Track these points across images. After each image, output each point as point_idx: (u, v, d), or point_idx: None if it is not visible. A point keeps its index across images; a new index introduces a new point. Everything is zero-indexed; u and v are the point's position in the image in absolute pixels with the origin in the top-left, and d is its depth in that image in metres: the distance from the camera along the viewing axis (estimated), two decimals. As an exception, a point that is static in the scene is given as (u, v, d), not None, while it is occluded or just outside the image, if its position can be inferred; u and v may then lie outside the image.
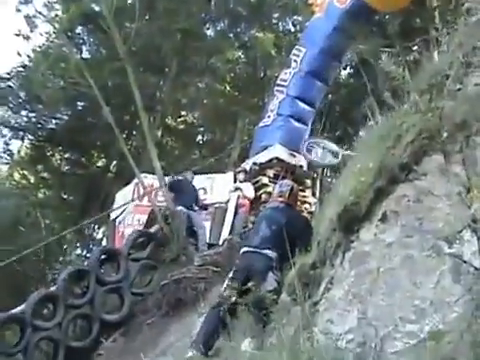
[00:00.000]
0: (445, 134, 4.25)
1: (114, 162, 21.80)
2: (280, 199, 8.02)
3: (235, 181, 13.30)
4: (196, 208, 12.57)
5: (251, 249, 7.60)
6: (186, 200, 12.42)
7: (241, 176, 12.93)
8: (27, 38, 19.62)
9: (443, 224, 3.94)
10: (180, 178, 13.08)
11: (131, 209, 14.15)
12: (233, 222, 12.45)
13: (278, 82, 15.05)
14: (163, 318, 10.40)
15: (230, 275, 7.64)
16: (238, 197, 12.59)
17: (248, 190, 12.80)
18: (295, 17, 21.51)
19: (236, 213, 12.48)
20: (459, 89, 4.64)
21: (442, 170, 4.20)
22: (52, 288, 11.40)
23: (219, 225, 12.59)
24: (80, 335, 11.31)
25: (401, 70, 4.67)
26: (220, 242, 12.19)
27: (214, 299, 7.02)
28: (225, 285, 7.45)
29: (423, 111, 4.44)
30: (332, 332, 4.20)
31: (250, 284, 6.92)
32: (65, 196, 23.02)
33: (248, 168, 13.22)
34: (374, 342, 3.85)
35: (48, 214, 21.85)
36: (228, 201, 12.84)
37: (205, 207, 12.93)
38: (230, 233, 12.32)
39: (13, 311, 10.60)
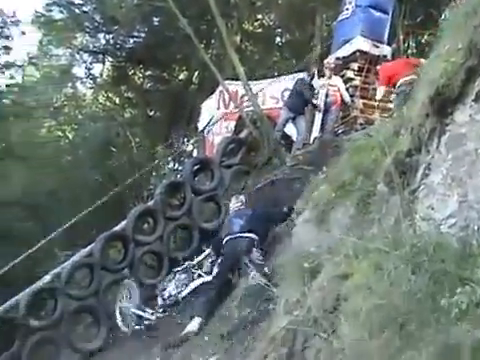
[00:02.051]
0: None
1: (196, 73, 21.73)
2: (240, 204, 9.69)
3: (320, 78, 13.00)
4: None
5: (233, 236, 8.92)
6: (295, 102, 12.24)
7: (327, 72, 12.61)
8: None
9: None
10: (298, 78, 12.76)
11: (218, 117, 14.16)
12: (323, 119, 12.26)
13: (352, -28, 14.44)
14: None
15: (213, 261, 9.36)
16: (327, 94, 12.31)
17: (340, 85, 12.53)
18: None
19: (327, 110, 12.25)
20: None
21: None
22: (149, 203, 11.67)
23: (309, 124, 12.44)
24: (181, 246, 11.61)
25: None
26: (311, 141, 12.10)
27: (310, 198, 6.99)
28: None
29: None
30: (433, 218, 4.12)
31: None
32: (151, 113, 23.19)
33: (332, 64, 12.87)
34: (477, 225, 3.76)
35: (137, 132, 22.16)
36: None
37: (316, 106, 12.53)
38: (321, 131, 12.19)
39: (115, 229, 10.95)
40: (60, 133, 22.89)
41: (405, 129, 5.24)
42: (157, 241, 10.96)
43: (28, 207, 16.37)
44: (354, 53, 13.24)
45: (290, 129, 12.39)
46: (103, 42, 22.21)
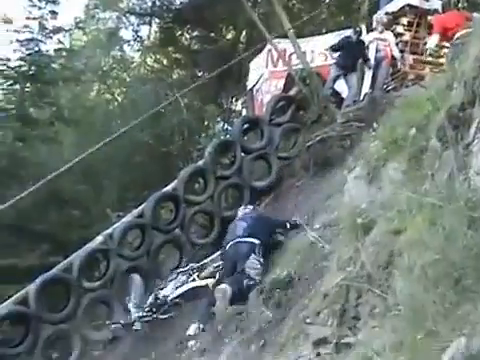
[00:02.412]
0: None
1: (243, 33, 21.54)
2: (249, 209, 9.51)
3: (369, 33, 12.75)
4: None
5: (236, 240, 8.61)
6: (345, 59, 12.05)
7: (378, 27, 12.35)
8: None
9: None
10: (346, 35, 12.59)
11: (267, 76, 14.04)
12: (373, 75, 12.06)
13: None
14: (311, 179, 10.44)
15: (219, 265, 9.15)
16: (377, 49, 12.08)
17: (391, 40, 12.30)
18: None
19: (377, 66, 12.04)
20: None
21: None
22: (200, 163, 11.69)
23: (359, 80, 12.26)
24: (232, 205, 11.66)
25: None
26: (361, 97, 11.93)
27: (361, 155, 6.90)
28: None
29: None
30: (488, 172, 4.03)
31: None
32: (200, 73, 23.13)
33: (383, 18, 12.60)
34: None
35: (186, 93, 22.12)
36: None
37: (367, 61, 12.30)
38: (371, 87, 12.00)
39: (166, 189, 11.02)
40: (109, 96, 23.01)
41: (458, 83, 5.10)
42: (208, 200, 11.07)
43: (79, 171, 16.55)
44: (403, 8, 12.95)
45: (340, 86, 12.22)
46: (149, 4, 22.19)
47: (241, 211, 9.48)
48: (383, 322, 3.88)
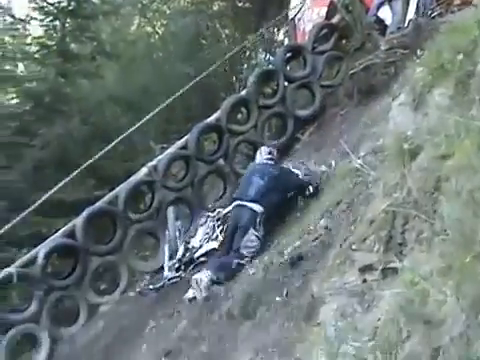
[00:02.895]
0: None
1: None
2: (269, 157, 8.88)
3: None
4: None
5: (241, 203, 8.22)
6: None
7: None
8: None
9: None
10: None
11: (309, 4, 13.74)
12: (418, 1, 11.68)
13: None
14: (355, 108, 10.28)
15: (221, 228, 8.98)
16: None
17: None
18: None
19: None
20: None
21: None
22: (242, 92, 11.59)
23: (404, 6, 11.90)
24: (276, 134, 11.62)
25: None
26: (405, 24, 11.61)
27: (406, 81, 6.75)
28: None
29: None
30: None
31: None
32: (240, 4, 22.78)
33: None
34: None
35: (227, 24, 21.87)
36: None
37: None
38: (416, 13, 11.65)
39: (209, 119, 10.99)
40: (150, 29, 22.84)
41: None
42: (251, 130, 11.01)
43: (122, 104, 16.62)
44: None
45: (384, 13, 11.90)
46: None
47: (260, 156, 9.01)
48: (430, 247, 3.83)
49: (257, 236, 7.92)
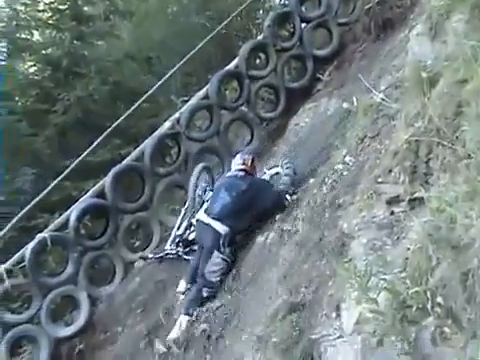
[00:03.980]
0: None
1: None
2: (241, 167, 8.10)
3: None
4: None
5: (204, 220, 7.65)
6: None
7: None
8: None
9: None
10: None
11: None
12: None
13: None
14: (374, 43, 10.18)
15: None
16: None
17: None
18: None
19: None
20: None
21: None
22: (259, 37, 11.50)
23: None
24: (296, 76, 11.54)
25: None
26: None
27: (422, 11, 6.62)
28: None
29: None
30: None
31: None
32: None
33: None
34: None
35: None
36: None
37: None
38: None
39: (228, 67, 10.94)
40: (161, -17, 22.56)
41: None
42: (271, 74, 10.98)
43: (140, 61, 16.54)
44: None
45: None
46: None
47: (233, 165, 8.34)
48: (455, 174, 3.81)
49: (223, 258, 7.44)
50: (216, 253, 7.43)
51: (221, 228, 7.49)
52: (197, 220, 8.07)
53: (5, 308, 9.34)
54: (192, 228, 8.76)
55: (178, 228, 9.19)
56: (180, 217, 9.35)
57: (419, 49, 6.19)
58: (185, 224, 9.07)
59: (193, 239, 8.67)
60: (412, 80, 5.07)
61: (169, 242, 9.26)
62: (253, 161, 8.35)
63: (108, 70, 14.53)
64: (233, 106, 10.83)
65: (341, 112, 8.74)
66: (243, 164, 8.18)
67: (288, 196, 7.53)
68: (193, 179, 8.88)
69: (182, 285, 8.04)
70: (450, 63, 4.66)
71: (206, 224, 7.65)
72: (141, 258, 9.71)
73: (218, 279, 7.38)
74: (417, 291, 3.22)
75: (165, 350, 7.34)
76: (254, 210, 7.61)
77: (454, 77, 4.41)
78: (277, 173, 8.34)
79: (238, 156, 8.44)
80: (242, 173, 8.08)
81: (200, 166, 9.26)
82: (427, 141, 4.33)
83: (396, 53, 8.18)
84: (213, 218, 7.61)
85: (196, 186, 8.73)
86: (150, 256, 9.45)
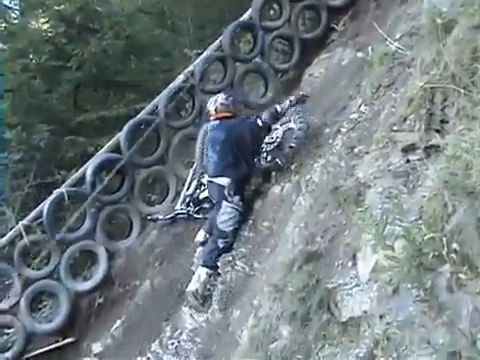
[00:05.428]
0: None
1: None
2: (215, 117, 8.03)
3: None
4: None
5: (208, 179, 7.85)
6: None
7: None
8: None
9: None
10: None
11: None
12: None
13: None
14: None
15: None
16: None
17: None
18: None
19: None
20: None
21: None
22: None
23: None
24: (310, 26, 11.40)
25: None
26: None
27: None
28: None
29: None
30: None
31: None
32: None
33: None
34: None
35: None
36: None
37: None
38: None
39: (241, 19, 10.84)
40: None
41: None
42: (285, 25, 10.86)
43: (154, 16, 16.39)
44: None
45: None
46: None
47: (210, 106, 8.19)
48: (471, 121, 3.77)
49: (232, 207, 7.59)
50: (224, 203, 7.60)
51: (222, 181, 7.66)
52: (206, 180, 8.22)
53: (24, 264, 9.46)
54: (202, 187, 8.83)
55: (188, 188, 9.22)
56: (189, 177, 9.37)
57: (435, -5, 6.09)
58: (195, 184, 9.10)
59: (204, 198, 8.73)
60: (427, 27, 4.99)
61: (179, 202, 9.27)
62: (231, 102, 8.18)
63: (121, 25, 14.39)
64: (247, 58, 10.77)
65: (356, 62, 8.65)
66: (215, 112, 8.08)
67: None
68: (200, 138, 8.71)
69: (201, 234, 8.12)
70: (466, 8, 4.58)
71: (210, 182, 7.91)
72: (151, 220, 9.70)
73: (231, 229, 7.50)
74: (433, 238, 3.21)
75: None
76: (243, 152, 7.72)
77: (470, 23, 4.34)
78: (289, 128, 8.24)
79: (208, 104, 8.34)
80: (217, 122, 8.05)
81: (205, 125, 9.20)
82: (443, 88, 4.29)
83: (411, 1, 8.04)
84: (213, 177, 7.81)
85: (203, 145, 8.56)
86: (160, 217, 9.46)
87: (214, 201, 7.94)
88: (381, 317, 3.62)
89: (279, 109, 7.96)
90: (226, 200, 7.59)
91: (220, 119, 8.01)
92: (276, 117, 7.97)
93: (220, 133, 7.83)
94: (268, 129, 7.93)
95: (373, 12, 10.02)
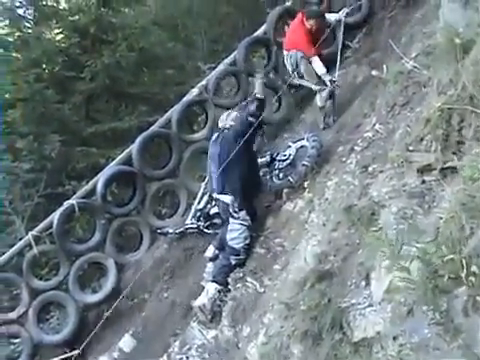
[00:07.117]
0: None
1: None
2: (217, 133, 8.07)
3: None
4: None
5: (214, 196, 7.94)
6: None
7: None
8: None
9: None
10: None
11: None
12: None
13: None
14: (404, 9, 9.97)
15: None
16: None
17: None
18: None
19: None
20: None
21: None
22: (287, 3, 11.27)
23: None
24: (325, 42, 11.34)
25: None
26: None
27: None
28: None
29: None
30: None
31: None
32: None
33: None
34: None
35: None
36: None
37: None
38: None
39: (256, 33, 10.88)
40: None
41: None
42: (300, 40, 10.77)
43: (167, 28, 16.46)
44: None
45: None
46: None
47: (222, 122, 8.19)
48: (488, 142, 3.75)
49: (239, 223, 7.57)
50: (231, 220, 7.61)
51: (226, 199, 7.66)
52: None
53: (33, 274, 9.46)
54: (213, 202, 8.74)
55: (199, 202, 9.20)
56: (201, 191, 9.34)
57: (451, 16, 6.05)
58: (206, 198, 9.07)
59: (214, 213, 8.71)
60: (444, 47, 4.96)
61: (190, 216, 9.25)
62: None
63: (135, 37, 14.46)
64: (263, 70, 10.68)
65: (370, 79, 8.62)
66: (231, 120, 8.08)
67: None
68: (209, 152, 8.58)
69: (210, 250, 8.09)
70: (484, 29, 4.56)
71: (216, 199, 7.94)
72: (161, 233, 9.66)
73: (241, 245, 7.48)
74: (451, 259, 3.17)
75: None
76: (238, 164, 7.45)
77: (489, 44, 4.32)
78: (302, 146, 8.22)
79: (225, 114, 8.37)
80: (215, 135, 8.15)
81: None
82: (460, 109, 4.26)
83: (427, 20, 8.03)
84: (217, 194, 7.81)
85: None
86: (170, 231, 9.42)
87: (223, 218, 7.95)
88: (394, 338, 3.58)
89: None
90: (233, 217, 7.59)
91: (218, 131, 8.13)
92: (261, 104, 7.98)
93: (216, 147, 7.89)
94: (258, 117, 7.72)
95: (388, 29, 10.02)
